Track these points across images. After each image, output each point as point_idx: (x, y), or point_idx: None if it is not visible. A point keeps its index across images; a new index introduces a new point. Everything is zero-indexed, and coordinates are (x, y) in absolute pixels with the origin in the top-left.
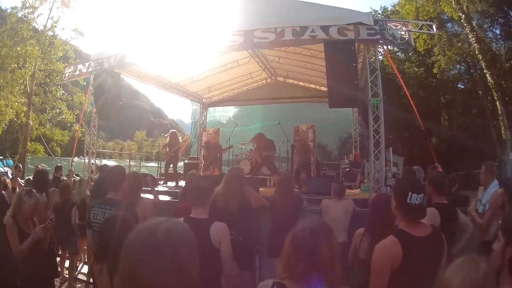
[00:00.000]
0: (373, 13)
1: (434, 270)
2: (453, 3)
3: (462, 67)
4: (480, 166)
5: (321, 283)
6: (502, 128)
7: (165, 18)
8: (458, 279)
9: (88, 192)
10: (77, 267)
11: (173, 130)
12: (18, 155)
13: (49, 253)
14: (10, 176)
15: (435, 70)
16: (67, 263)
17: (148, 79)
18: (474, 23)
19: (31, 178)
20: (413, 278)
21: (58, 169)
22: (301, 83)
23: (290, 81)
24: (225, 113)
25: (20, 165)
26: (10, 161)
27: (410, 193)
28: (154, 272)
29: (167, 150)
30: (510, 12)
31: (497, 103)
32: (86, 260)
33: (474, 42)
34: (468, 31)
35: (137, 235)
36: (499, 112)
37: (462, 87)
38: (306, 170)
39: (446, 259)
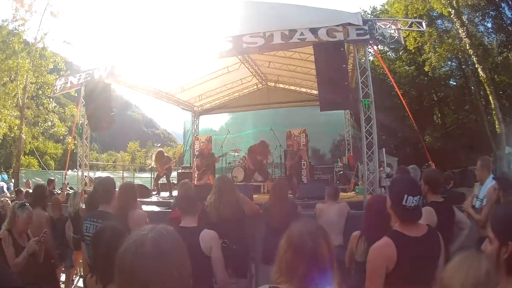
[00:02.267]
0: (362, 13)
1: (431, 270)
2: None
3: (453, 63)
4: (475, 162)
5: (320, 285)
6: (496, 122)
7: (154, 27)
8: (459, 277)
9: (82, 205)
10: (73, 280)
11: (159, 151)
12: (12, 170)
13: (49, 267)
14: (6, 191)
15: (426, 68)
16: (63, 277)
17: (139, 89)
18: (464, 17)
19: (29, 191)
20: (409, 279)
21: (50, 182)
22: (292, 87)
23: (281, 85)
24: (217, 121)
25: (22, 189)
26: (5, 176)
27: (406, 195)
28: (148, 280)
29: (159, 167)
30: (502, 4)
31: (490, 97)
32: (82, 274)
33: (465, 37)
34: (458, 27)
35: (127, 249)
36: (492, 106)
37: (454, 83)
38: (297, 175)
39: (444, 258)
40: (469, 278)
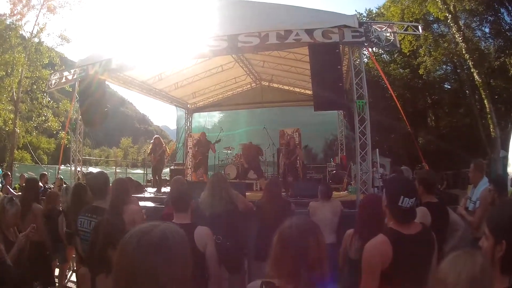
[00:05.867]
0: (358, 15)
1: (425, 267)
2: (439, 3)
3: (448, 67)
4: (469, 165)
5: (310, 281)
6: (491, 126)
7: (150, 24)
8: (454, 274)
9: None
10: (66, 275)
11: (156, 136)
12: (5, 163)
13: (44, 261)
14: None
15: (421, 71)
16: (56, 272)
17: (133, 86)
18: (461, 22)
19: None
20: (404, 276)
21: (42, 176)
22: (286, 87)
23: (275, 85)
24: (210, 119)
25: (9, 173)
26: None
27: (402, 196)
28: (148, 271)
29: (152, 155)
30: (501, 9)
31: (485, 101)
32: (75, 268)
33: (461, 42)
34: (454, 31)
35: (132, 235)
36: (487, 110)
37: (449, 87)
38: (292, 173)
39: (437, 257)
40: (464, 275)
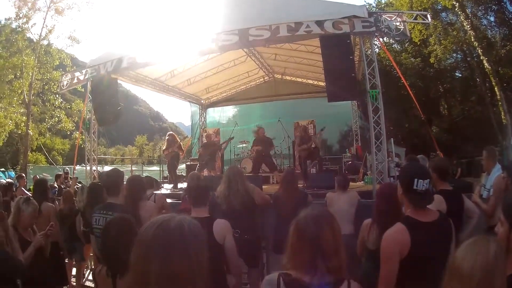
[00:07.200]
0: (367, 6)
1: (443, 255)
2: None
3: (458, 55)
4: (482, 153)
5: (326, 271)
6: (502, 113)
7: (160, 21)
8: (468, 261)
9: None
10: (84, 274)
11: (170, 132)
12: (19, 166)
13: (58, 260)
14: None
15: (431, 60)
16: (74, 271)
17: (145, 83)
18: (468, 11)
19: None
20: (422, 264)
21: (57, 177)
22: (299, 79)
23: (288, 77)
24: (224, 113)
25: (23, 174)
26: (12, 173)
27: (415, 179)
28: (164, 259)
29: (166, 151)
30: None
31: (495, 89)
32: (93, 267)
33: (469, 30)
34: (462, 19)
35: (150, 224)
36: (498, 97)
37: (460, 75)
38: (312, 158)
39: (454, 244)
40: (478, 262)
